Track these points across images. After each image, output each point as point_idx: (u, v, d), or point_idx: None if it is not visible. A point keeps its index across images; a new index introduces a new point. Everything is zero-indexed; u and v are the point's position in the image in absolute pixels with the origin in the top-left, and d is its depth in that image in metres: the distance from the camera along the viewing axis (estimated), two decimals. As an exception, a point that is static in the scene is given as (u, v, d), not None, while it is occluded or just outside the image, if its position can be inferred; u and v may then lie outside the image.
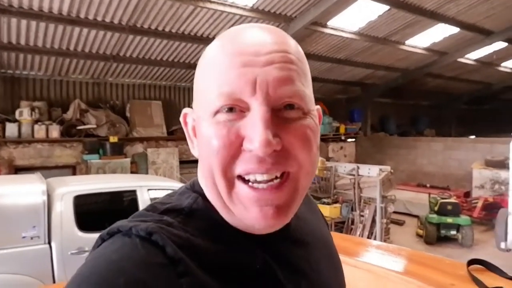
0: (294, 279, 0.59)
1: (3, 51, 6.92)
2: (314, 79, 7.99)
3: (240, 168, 0.52)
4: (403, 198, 9.47)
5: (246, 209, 0.53)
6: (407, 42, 9.80)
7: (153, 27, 7.08)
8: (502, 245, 5.88)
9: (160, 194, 4.31)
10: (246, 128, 0.51)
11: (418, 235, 8.12)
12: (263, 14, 7.13)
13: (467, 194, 9.75)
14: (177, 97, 10.06)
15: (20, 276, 3.36)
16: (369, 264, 1.59)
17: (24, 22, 6.19)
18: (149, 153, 8.95)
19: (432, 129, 16.29)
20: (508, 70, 13.85)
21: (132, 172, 8.34)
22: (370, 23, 8.34)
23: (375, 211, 6.82)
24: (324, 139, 12.12)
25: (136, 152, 8.95)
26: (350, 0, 6.98)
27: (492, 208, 8.07)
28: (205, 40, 7.79)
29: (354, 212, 7.26)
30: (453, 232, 7.55)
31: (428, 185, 11.06)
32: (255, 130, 0.49)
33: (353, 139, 13.69)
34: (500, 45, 10.75)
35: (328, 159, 11.39)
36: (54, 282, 3.49)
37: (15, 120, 7.54)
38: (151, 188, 4.35)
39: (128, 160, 8.49)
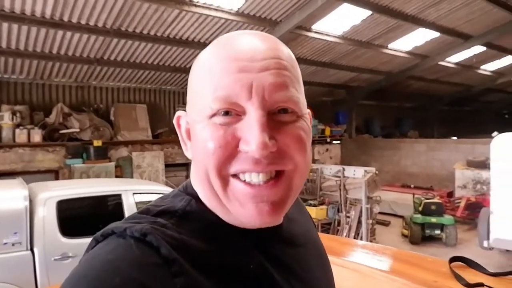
0: (287, 279, 0.60)
1: (-17, 54, 6.77)
2: (300, 82, 8.03)
3: (235, 167, 0.53)
4: (388, 199, 9.60)
5: (242, 206, 0.54)
6: (390, 46, 9.98)
7: (138, 30, 7.03)
8: (485, 243, 6.00)
9: (146, 198, 4.26)
10: (243, 131, 0.52)
11: (404, 235, 8.24)
12: (248, 18, 7.16)
13: (450, 194, 9.93)
14: (162, 101, 9.96)
15: (1, 284, 3.29)
16: (356, 264, 1.61)
17: (5, 25, 6.07)
18: (134, 157, 8.86)
19: (416, 130, 16.62)
20: (487, 73, 14.25)
21: (116, 176, 8.22)
22: (354, 27, 8.47)
23: (361, 212, 6.89)
24: (310, 141, 12.19)
25: (120, 156, 8.84)
26: (334, 4, 7.08)
27: (475, 208, 8.25)
28: (191, 44, 7.77)
29: (340, 213, 7.32)
30: (437, 232, 7.67)
31: (412, 186, 11.25)
32: (251, 132, 0.51)
33: (339, 141, 13.83)
34: (479, 48, 11.05)
35: (314, 161, 11.46)
36: (36, 289, 3.42)
37: (-5, 125, 7.37)
38: (137, 192, 4.30)
39: (113, 164, 8.37)
